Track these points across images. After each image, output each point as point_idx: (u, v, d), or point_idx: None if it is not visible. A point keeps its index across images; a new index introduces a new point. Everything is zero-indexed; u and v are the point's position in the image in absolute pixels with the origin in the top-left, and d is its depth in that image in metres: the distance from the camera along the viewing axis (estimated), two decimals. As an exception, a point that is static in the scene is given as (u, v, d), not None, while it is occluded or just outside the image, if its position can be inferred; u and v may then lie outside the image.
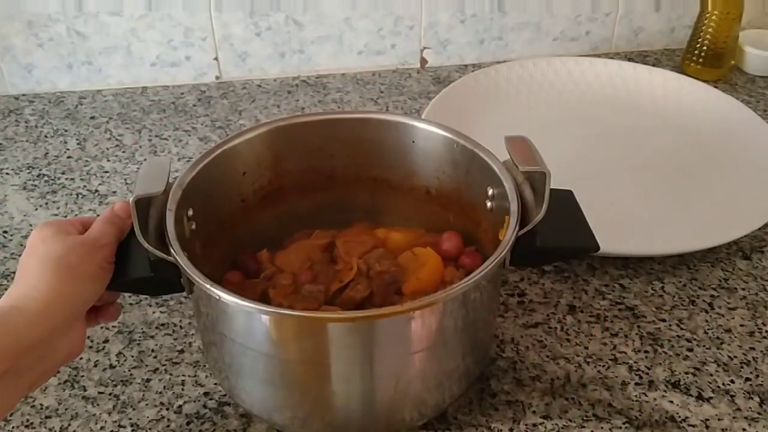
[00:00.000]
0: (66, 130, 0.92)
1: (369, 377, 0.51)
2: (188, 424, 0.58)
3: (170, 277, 0.50)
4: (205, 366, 0.62)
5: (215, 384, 0.60)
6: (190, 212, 0.54)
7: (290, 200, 0.65)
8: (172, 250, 0.49)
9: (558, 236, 0.54)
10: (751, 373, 0.62)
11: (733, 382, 0.61)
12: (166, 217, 0.51)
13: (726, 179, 0.82)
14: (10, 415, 0.58)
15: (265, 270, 0.61)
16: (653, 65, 1.03)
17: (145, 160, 0.86)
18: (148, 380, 0.61)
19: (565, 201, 0.56)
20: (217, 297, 0.46)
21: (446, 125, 0.62)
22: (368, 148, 0.64)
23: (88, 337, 0.64)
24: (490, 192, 0.59)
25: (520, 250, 0.52)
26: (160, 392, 0.60)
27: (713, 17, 1.00)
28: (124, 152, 0.88)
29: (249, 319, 0.49)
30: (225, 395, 0.59)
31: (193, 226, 0.55)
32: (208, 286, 0.47)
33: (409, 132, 0.63)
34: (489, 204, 0.59)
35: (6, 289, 0.69)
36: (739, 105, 0.91)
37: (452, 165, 0.62)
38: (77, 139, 0.90)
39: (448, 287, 0.48)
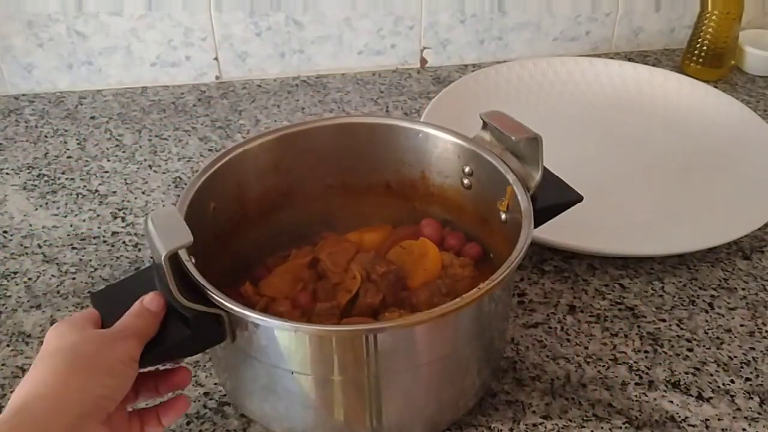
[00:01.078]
0: (66, 130, 0.92)
1: (413, 377, 0.51)
2: (188, 424, 0.57)
3: (211, 329, 0.47)
4: (205, 366, 0.62)
5: (215, 384, 0.60)
6: (193, 260, 0.50)
7: (255, 227, 0.63)
8: (216, 300, 0.46)
9: (549, 195, 0.56)
10: (751, 373, 0.62)
11: (733, 382, 0.61)
12: (188, 269, 0.47)
13: (726, 179, 0.82)
14: (10, 415, 0.58)
15: (256, 302, 0.58)
16: (653, 65, 1.03)
17: (145, 160, 0.86)
18: (148, 380, 0.61)
19: None
20: (294, 330, 0.46)
21: (400, 116, 0.62)
22: (323, 155, 0.63)
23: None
24: (467, 169, 0.60)
25: None
26: (160, 392, 0.60)
27: (713, 17, 1.00)
28: (124, 152, 0.88)
29: (321, 346, 0.48)
30: (225, 395, 0.59)
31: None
32: (282, 322, 0.46)
33: (363, 131, 0.63)
34: (466, 181, 0.61)
35: (5, 290, 0.70)
36: (739, 105, 0.91)
37: (415, 154, 0.63)
38: (77, 139, 0.90)
39: (504, 267, 0.48)
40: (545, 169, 0.56)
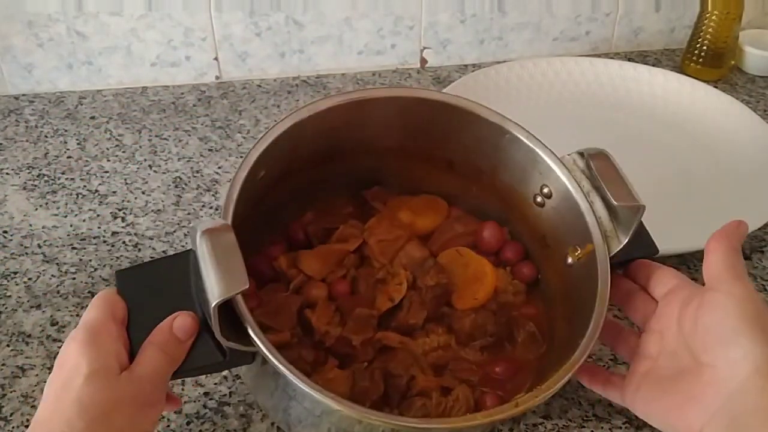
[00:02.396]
0: (66, 130, 0.92)
1: None
2: (188, 424, 0.57)
3: (243, 358, 0.45)
4: (205, 366, 0.62)
5: (215, 384, 0.60)
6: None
7: (298, 177, 0.59)
8: (260, 346, 0.43)
9: (627, 250, 0.52)
10: (751, 373, 0.62)
11: (733, 382, 0.61)
12: (240, 313, 0.43)
13: (726, 179, 0.82)
14: (11, 415, 0.58)
15: (291, 277, 0.55)
16: (653, 65, 1.03)
17: (145, 160, 0.86)
18: (148, 380, 0.61)
19: None
20: (314, 395, 0.43)
21: (494, 111, 0.58)
22: (393, 123, 0.59)
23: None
24: (545, 190, 0.57)
25: None
26: (160, 392, 0.60)
27: (713, 17, 1.00)
28: (124, 152, 0.88)
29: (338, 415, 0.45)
30: (225, 395, 0.59)
31: None
32: (307, 388, 0.42)
33: (446, 111, 0.59)
34: (539, 199, 0.58)
35: (5, 290, 0.70)
36: (739, 105, 0.91)
37: (495, 149, 0.59)
38: (77, 139, 0.90)
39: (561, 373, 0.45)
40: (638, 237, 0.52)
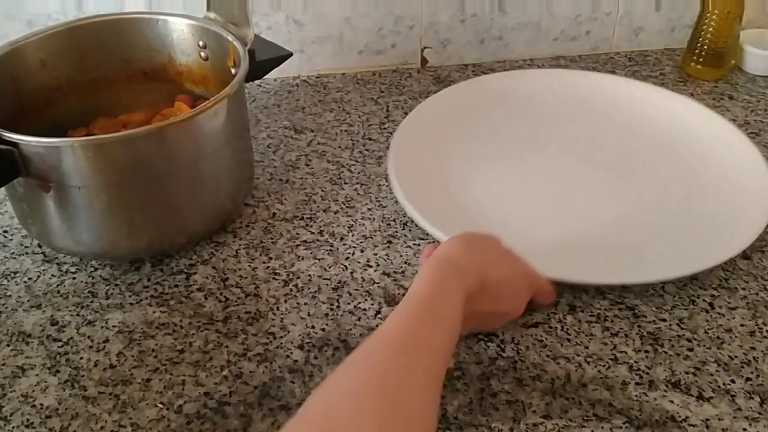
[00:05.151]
0: (66, 130, 0.92)
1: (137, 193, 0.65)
2: (188, 423, 0.58)
3: (5, 165, 0.59)
4: (205, 366, 0.62)
5: (215, 384, 0.60)
6: None
7: (31, 121, 0.72)
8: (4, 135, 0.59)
9: (265, 52, 0.74)
10: (751, 372, 0.62)
11: (733, 381, 0.61)
12: None
13: (718, 199, 0.79)
14: (11, 415, 0.58)
15: None
16: (654, 65, 1.03)
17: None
18: (149, 380, 0.61)
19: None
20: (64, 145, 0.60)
21: (141, 10, 0.78)
22: (84, 53, 0.76)
23: (89, 336, 0.64)
24: (201, 43, 0.76)
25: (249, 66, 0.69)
26: (160, 392, 0.60)
27: (713, 17, 1.00)
28: (124, 152, 0.88)
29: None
30: (225, 395, 0.59)
31: None
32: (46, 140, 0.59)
33: (113, 27, 0.76)
34: (203, 54, 0.76)
35: (5, 290, 0.69)
36: (732, 128, 0.86)
37: (160, 41, 0.77)
38: (77, 139, 0.90)
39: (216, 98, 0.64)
40: (260, 38, 0.75)
